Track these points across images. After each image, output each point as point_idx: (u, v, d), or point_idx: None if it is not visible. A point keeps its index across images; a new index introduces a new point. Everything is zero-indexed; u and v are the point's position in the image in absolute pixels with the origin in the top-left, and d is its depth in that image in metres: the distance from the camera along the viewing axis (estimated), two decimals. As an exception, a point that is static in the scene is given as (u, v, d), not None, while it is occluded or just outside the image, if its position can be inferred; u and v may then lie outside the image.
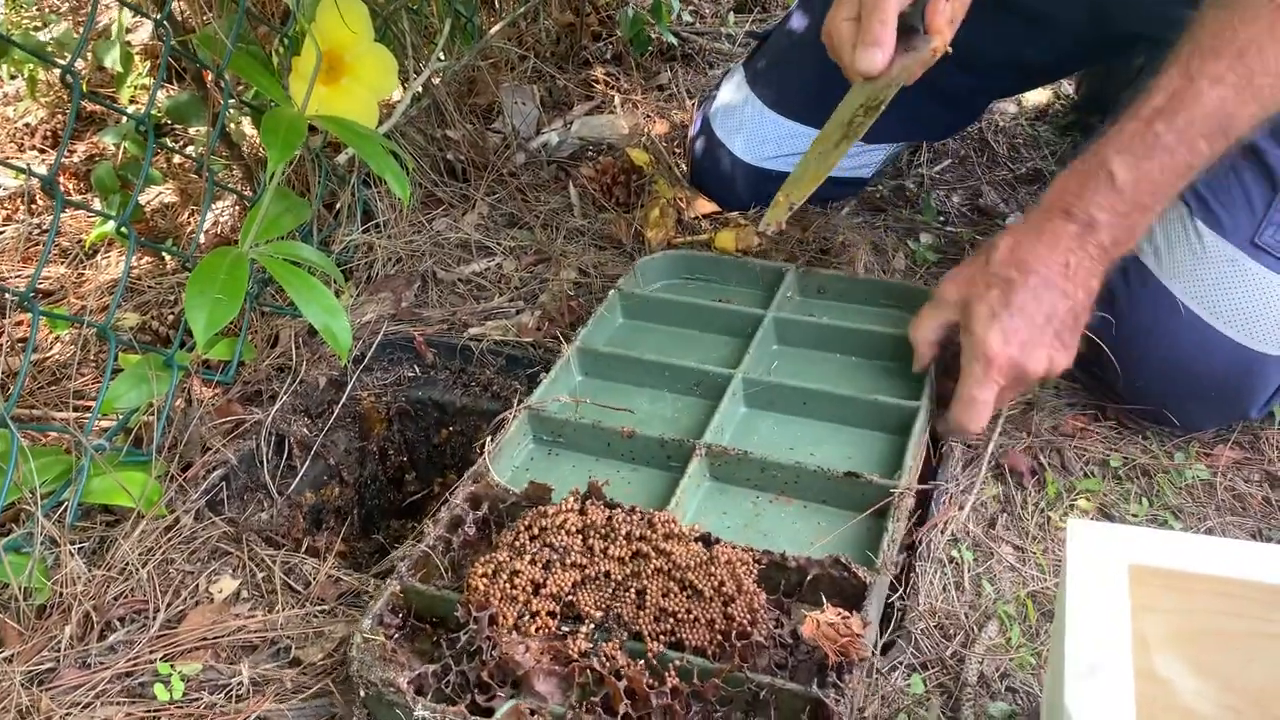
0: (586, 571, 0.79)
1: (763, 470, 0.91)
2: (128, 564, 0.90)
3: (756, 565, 0.79)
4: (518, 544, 0.80)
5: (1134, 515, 0.94)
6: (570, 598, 0.78)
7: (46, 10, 1.99)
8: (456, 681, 0.74)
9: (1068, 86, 1.61)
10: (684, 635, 0.75)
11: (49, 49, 1.55)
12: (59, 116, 1.76)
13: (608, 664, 0.73)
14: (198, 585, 0.90)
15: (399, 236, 1.32)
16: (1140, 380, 1.00)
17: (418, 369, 1.17)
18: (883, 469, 0.92)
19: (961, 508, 0.94)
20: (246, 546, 0.93)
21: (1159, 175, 0.85)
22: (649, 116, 1.58)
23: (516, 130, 1.53)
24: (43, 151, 1.72)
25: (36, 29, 1.84)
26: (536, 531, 0.81)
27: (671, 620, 0.76)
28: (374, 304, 1.23)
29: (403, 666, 0.75)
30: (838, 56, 0.93)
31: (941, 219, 1.36)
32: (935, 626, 0.84)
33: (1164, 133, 0.84)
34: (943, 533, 0.91)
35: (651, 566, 0.78)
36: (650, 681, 0.72)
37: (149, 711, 0.79)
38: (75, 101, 0.95)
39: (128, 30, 1.74)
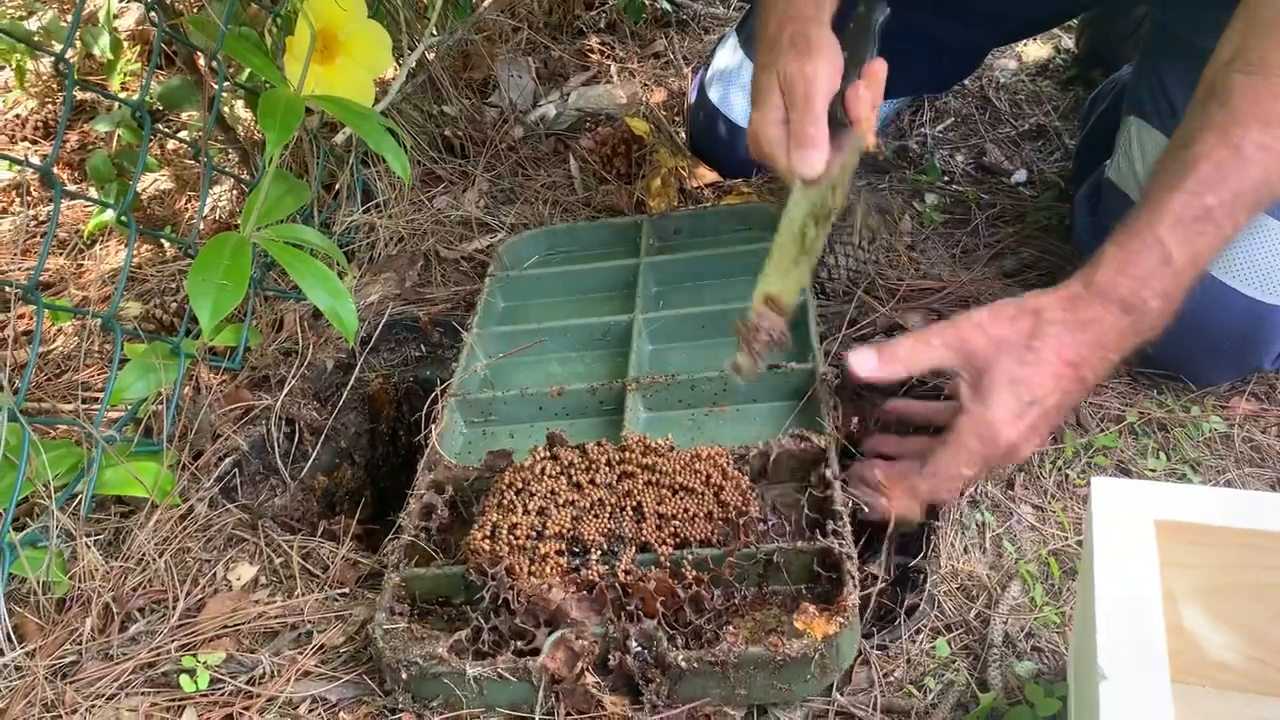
0: (580, 505, 0.82)
1: (692, 389, 0.97)
2: (145, 554, 0.90)
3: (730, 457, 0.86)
4: (505, 502, 0.83)
5: (1152, 470, 0.94)
6: (573, 533, 0.81)
7: (32, -1, 1.97)
8: (491, 639, 0.76)
9: (1068, 41, 1.59)
10: (687, 533, 0.81)
11: (37, 38, 1.53)
12: (49, 106, 1.74)
13: (628, 577, 0.76)
14: (215, 573, 0.90)
15: (400, 215, 1.31)
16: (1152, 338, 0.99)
17: (424, 348, 1.16)
18: (795, 358, 0.97)
19: (979, 469, 0.93)
20: (262, 532, 0.93)
21: (1208, 251, 0.81)
22: (646, 85, 1.56)
23: (513, 104, 1.51)
24: (35, 142, 1.70)
25: (22, 18, 1.82)
26: (520, 485, 0.84)
27: (673, 523, 0.81)
28: (378, 284, 1.22)
29: (436, 640, 0.76)
30: (771, 161, 0.88)
31: (946, 178, 1.34)
32: (958, 588, 0.84)
33: (1215, 206, 0.79)
34: (962, 495, 0.90)
35: (641, 482, 0.83)
36: (671, 580, 0.76)
37: (174, 700, 0.79)
38: (69, 90, 0.94)
39: (115, 16, 1.72)
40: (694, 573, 0.77)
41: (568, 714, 0.73)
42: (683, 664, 0.72)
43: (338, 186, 1.30)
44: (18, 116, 1.74)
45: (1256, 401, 1.00)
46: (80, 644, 0.83)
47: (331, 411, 1.09)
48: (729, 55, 1.34)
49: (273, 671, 0.81)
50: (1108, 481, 0.67)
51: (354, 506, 1.05)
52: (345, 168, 1.30)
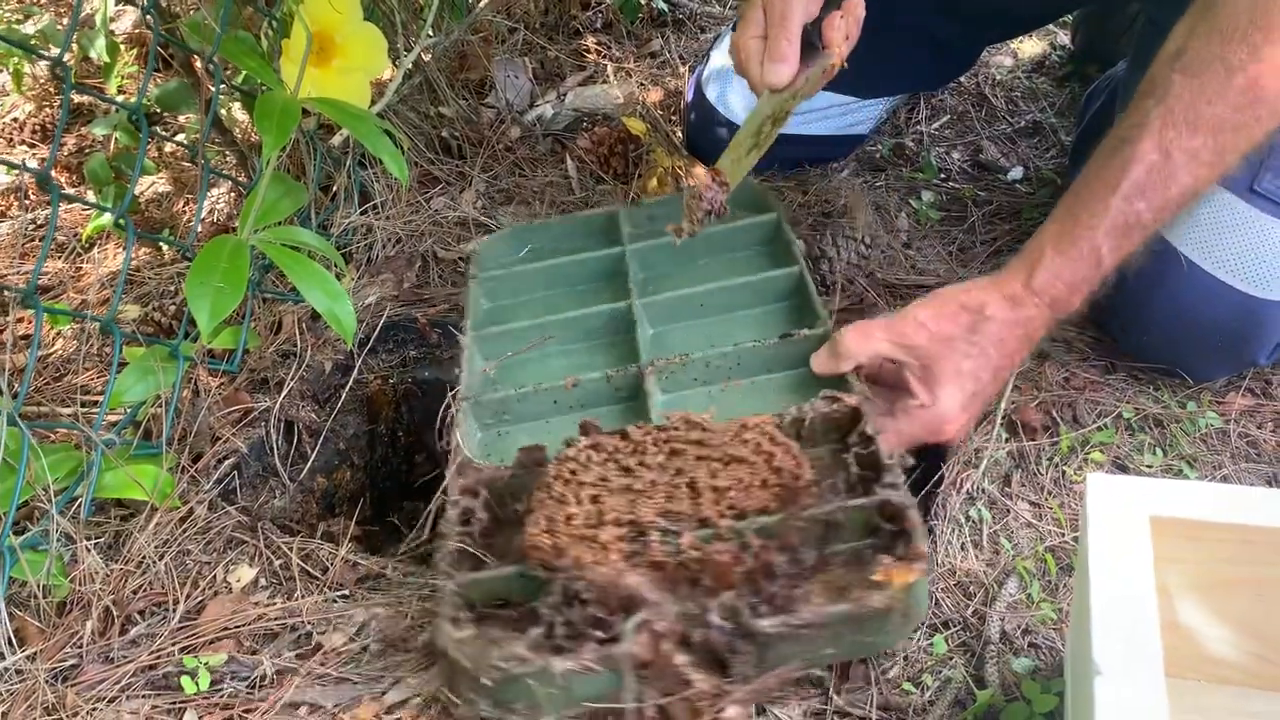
0: (634, 488, 0.81)
1: (707, 366, 0.97)
2: (145, 557, 0.90)
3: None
4: (555, 495, 0.81)
5: (1149, 466, 0.94)
6: (631, 517, 0.79)
7: (28, 2, 1.97)
8: (565, 633, 0.74)
9: (1064, 37, 1.59)
10: (744, 504, 0.79)
11: (33, 42, 1.53)
12: (46, 110, 1.74)
13: (695, 554, 0.75)
14: (215, 575, 0.90)
15: (397, 217, 1.31)
16: (1146, 335, 1.00)
17: (422, 349, 1.16)
18: (803, 324, 0.98)
19: (976, 466, 0.93)
20: (262, 534, 0.93)
21: (1136, 252, 0.86)
22: (643, 85, 1.56)
23: (510, 104, 1.51)
24: (32, 146, 1.70)
25: (19, 22, 1.82)
26: (568, 476, 0.82)
27: (729, 495, 0.79)
28: (375, 286, 1.22)
29: (513, 641, 0.73)
30: (745, 73, 0.96)
31: (943, 176, 1.35)
32: (955, 585, 0.84)
33: (1144, 212, 0.84)
34: (958, 492, 0.91)
35: (691, 457, 0.82)
36: (737, 551, 0.75)
37: (175, 703, 0.80)
38: (66, 94, 0.94)
39: (111, 20, 1.72)
40: (760, 541, 0.76)
41: (657, 697, 0.72)
42: (770, 631, 0.72)
43: (335, 188, 1.30)
44: (15, 120, 1.74)
45: (1252, 397, 1.00)
46: (81, 647, 0.84)
47: (330, 413, 1.09)
48: (725, 54, 1.34)
49: (273, 673, 0.81)
50: (1103, 478, 0.67)
51: (354, 508, 1.06)
52: (343, 169, 1.30)
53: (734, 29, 1.35)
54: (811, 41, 0.95)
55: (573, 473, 0.82)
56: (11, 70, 1.69)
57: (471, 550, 0.82)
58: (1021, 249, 0.88)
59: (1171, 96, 0.82)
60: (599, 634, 0.73)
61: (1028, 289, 0.86)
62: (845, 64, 0.96)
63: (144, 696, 0.80)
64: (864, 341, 0.89)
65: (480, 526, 0.85)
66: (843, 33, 0.94)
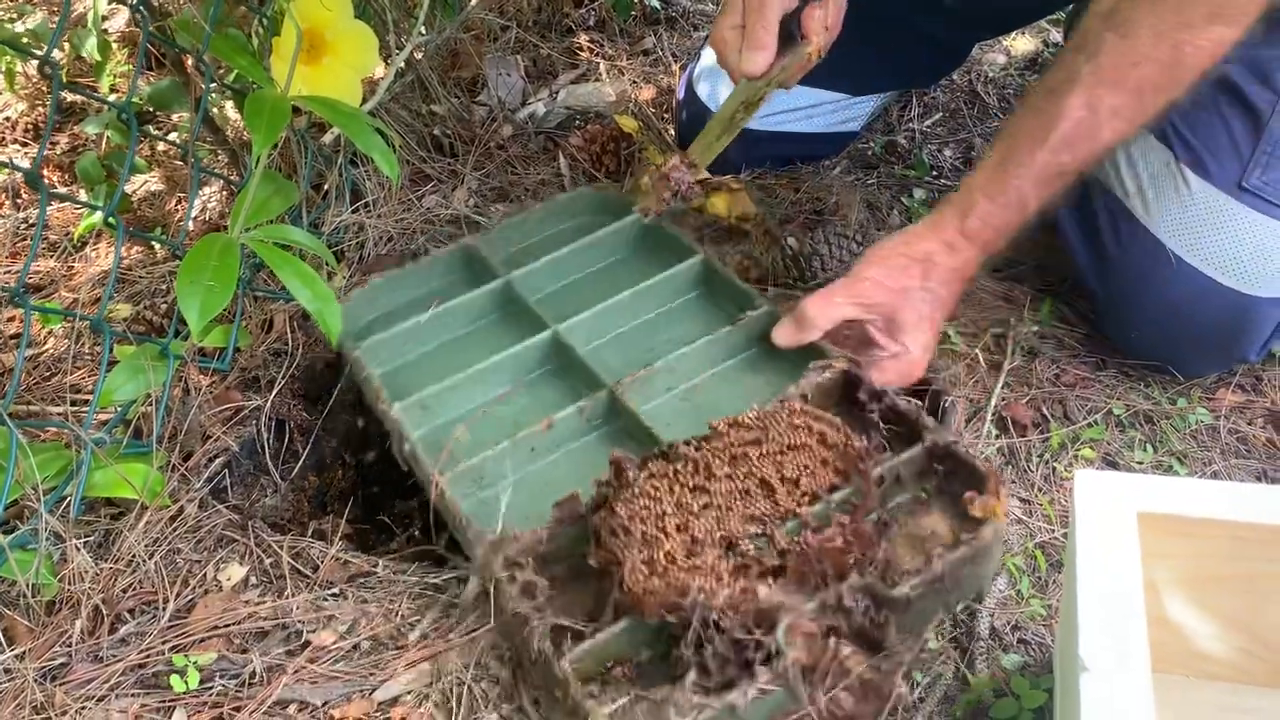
0: (714, 504, 0.80)
1: (671, 371, 0.97)
2: (134, 556, 0.90)
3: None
4: (640, 536, 0.78)
5: (1139, 462, 0.94)
6: (721, 533, 0.79)
7: (21, 1, 1.96)
8: (718, 666, 0.71)
9: (1056, 34, 1.59)
10: (814, 487, 0.82)
11: (25, 40, 1.53)
12: (39, 109, 1.73)
13: (796, 548, 0.77)
14: (206, 574, 0.90)
15: (389, 215, 1.31)
16: (1136, 332, 1.00)
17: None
18: (739, 308, 1.01)
19: (966, 462, 0.93)
20: (252, 533, 0.93)
21: (1058, 198, 0.92)
22: (635, 83, 1.56)
23: (502, 102, 1.51)
24: (25, 144, 1.70)
25: (10, 20, 1.82)
26: (643, 515, 0.79)
27: (801, 484, 0.82)
28: (367, 284, 1.22)
29: (674, 691, 0.70)
30: (724, 60, 1.00)
31: (935, 173, 1.35)
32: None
33: (1069, 163, 0.89)
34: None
35: (754, 457, 0.83)
36: (843, 533, 0.77)
37: (164, 702, 0.80)
38: (55, 93, 0.94)
39: (104, 18, 1.72)
40: (844, 517, 0.79)
41: (826, 694, 0.71)
42: (911, 595, 0.75)
43: (326, 186, 1.30)
44: (7, 119, 1.74)
45: (1242, 393, 1.01)
46: (70, 646, 0.84)
47: (322, 411, 1.09)
48: (716, 53, 1.34)
49: (263, 671, 0.81)
50: (1091, 474, 0.67)
51: (345, 506, 1.05)
52: (334, 167, 1.30)
53: (723, 5, 1.35)
54: (791, 32, 0.97)
55: (647, 509, 0.79)
56: (4, 69, 1.68)
57: (568, 625, 0.77)
58: (953, 195, 0.94)
59: (1102, 54, 0.86)
60: (750, 655, 0.71)
61: (961, 234, 0.92)
62: (823, 54, 0.99)
63: (133, 695, 0.80)
64: (826, 308, 0.94)
65: (546, 595, 0.79)
66: (821, 23, 0.97)
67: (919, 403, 0.89)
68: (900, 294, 0.92)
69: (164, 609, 0.86)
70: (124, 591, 0.88)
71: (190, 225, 1.32)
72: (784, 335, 0.96)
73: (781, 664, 0.70)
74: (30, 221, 1.50)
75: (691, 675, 0.70)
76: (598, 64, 1.61)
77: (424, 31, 1.42)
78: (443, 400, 0.98)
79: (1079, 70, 0.87)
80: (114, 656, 0.83)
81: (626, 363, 0.99)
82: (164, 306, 1.24)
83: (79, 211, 1.45)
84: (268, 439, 1.04)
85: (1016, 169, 0.90)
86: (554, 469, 0.93)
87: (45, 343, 1.24)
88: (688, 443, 0.84)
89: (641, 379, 0.95)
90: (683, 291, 1.07)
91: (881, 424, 0.88)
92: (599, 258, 1.13)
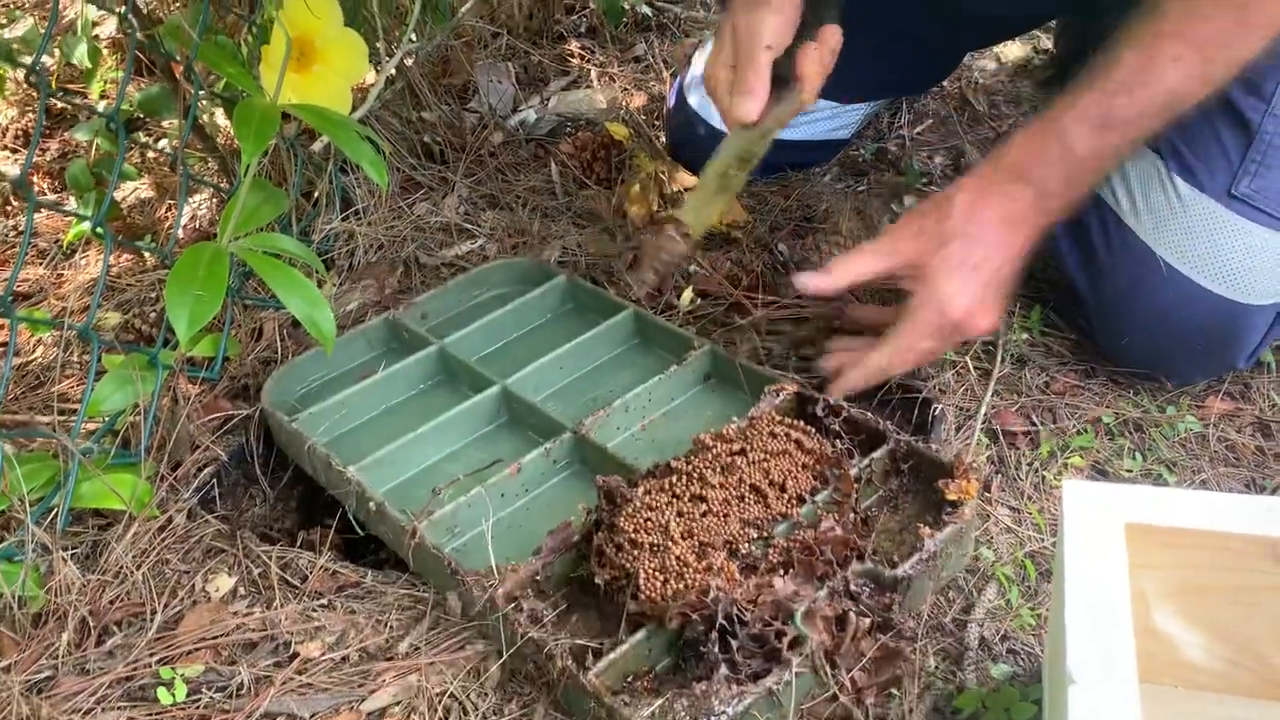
0: (713, 510, 0.83)
1: (626, 411, 0.99)
2: (122, 567, 0.90)
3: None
4: (644, 547, 0.80)
5: (1128, 471, 0.94)
6: (723, 536, 0.82)
7: (12, 7, 1.96)
8: (746, 658, 0.74)
9: (1047, 41, 1.59)
10: (800, 490, 0.86)
11: (14, 47, 1.52)
12: (30, 115, 1.73)
13: (794, 544, 0.81)
14: (194, 585, 0.90)
15: (379, 222, 1.31)
16: (1126, 339, 1.00)
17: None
18: (680, 350, 1.04)
19: (956, 471, 0.93)
20: (241, 543, 0.93)
21: (1112, 149, 0.88)
22: (626, 90, 1.56)
23: (493, 109, 1.51)
24: (15, 151, 1.69)
25: (2, 27, 1.81)
26: (646, 529, 0.81)
27: (788, 487, 0.86)
28: (357, 292, 1.22)
29: (710, 688, 0.72)
30: (715, 100, 0.97)
31: (925, 180, 1.35)
32: (934, 591, 0.84)
33: (1124, 107, 0.85)
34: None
35: (744, 466, 0.86)
36: (840, 525, 0.82)
37: (151, 714, 0.79)
38: (43, 100, 0.94)
39: (94, 24, 1.72)
40: (833, 514, 0.83)
41: (848, 673, 0.75)
42: (911, 573, 0.79)
43: (316, 194, 1.30)
44: (-2, 125, 1.73)
45: (1231, 401, 1.01)
46: (56, 659, 0.83)
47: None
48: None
49: (251, 682, 0.81)
50: (1079, 484, 0.67)
51: (334, 517, 1.05)
52: (324, 175, 1.29)
53: (714, 39, 1.35)
54: (782, 73, 0.93)
55: (650, 520, 0.82)
56: (-6, 75, 1.68)
57: (589, 645, 0.78)
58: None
59: (1160, 14, 0.84)
60: (775, 644, 0.74)
61: (998, 169, 0.90)
62: (816, 98, 0.95)
63: (120, 708, 0.80)
64: (855, 259, 0.94)
65: (553, 620, 0.82)
66: (817, 65, 0.93)
67: (871, 414, 0.92)
68: (921, 237, 0.91)
69: (152, 620, 0.86)
70: (111, 603, 0.88)
71: (180, 233, 1.32)
72: (813, 281, 0.94)
73: (807, 648, 0.73)
74: (18, 229, 1.49)
75: (723, 670, 0.73)
76: (589, 71, 1.61)
77: (414, 38, 1.42)
78: (399, 458, 0.97)
79: (1137, 29, 0.84)
80: (101, 669, 0.82)
81: (579, 408, 1.01)
82: (153, 315, 1.24)
83: (69, 218, 1.45)
84: (257, 448, 1.04)
85: (1061, 109, 0.87)
86: (525, 513, 0.93)
87: (34, 351, 1.23)
88: (678, 458, 0.87)
89: (602, 418, 0.97)
90: (621, 342, 1.10)
91: (844, 434, 0.91)
92: (530, 318, 1.15)
